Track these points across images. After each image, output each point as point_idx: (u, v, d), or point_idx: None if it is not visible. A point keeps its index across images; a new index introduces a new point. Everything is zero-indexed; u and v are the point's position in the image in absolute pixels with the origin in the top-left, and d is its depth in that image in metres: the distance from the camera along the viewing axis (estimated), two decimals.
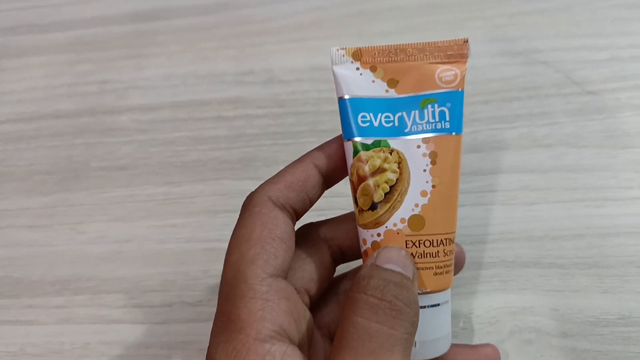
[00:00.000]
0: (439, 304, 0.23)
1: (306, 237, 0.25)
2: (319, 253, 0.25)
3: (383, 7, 0.40)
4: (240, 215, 0.23)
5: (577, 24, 0.37)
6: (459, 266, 0.27)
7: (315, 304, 0.25)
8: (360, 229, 0.24)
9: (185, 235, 0.34)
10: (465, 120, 0.35)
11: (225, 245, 0.33)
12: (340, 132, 0.24)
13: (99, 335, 0.32)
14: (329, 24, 0.40)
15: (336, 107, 0.24)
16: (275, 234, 0.22)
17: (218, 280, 0.32)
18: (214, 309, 0.31)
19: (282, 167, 0.36)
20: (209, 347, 0.21)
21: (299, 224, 0.26)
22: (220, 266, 0.32)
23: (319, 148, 0.25)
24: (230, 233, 0.33)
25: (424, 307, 0.23)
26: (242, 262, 0.22)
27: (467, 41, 0.24)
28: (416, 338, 0.23)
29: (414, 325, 0.21)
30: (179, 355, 0.31)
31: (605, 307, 0.29)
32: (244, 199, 0.24)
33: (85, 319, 0.32)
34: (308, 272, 0.25)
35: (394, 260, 0.22)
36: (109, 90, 0.40)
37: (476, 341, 0.29)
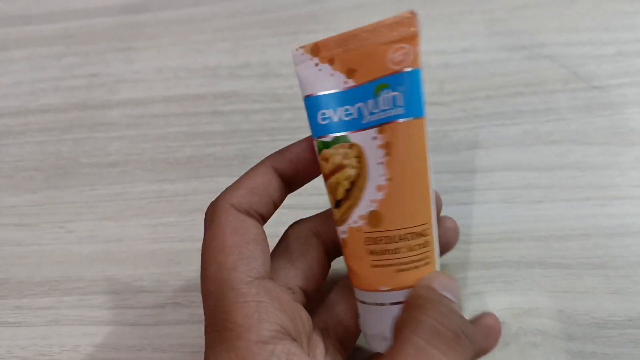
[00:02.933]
0: (403, 301, 0.22)
1: (297, 234, 0.25)
2: (311, 249, 0.25)
3: (377, 0, 0.38)
4: (206, 226, 0.23)
5: (580, 18, 0.36)
6: (451, 244, 0.27)
7: (314, 302, 0.25)
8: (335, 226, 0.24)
9: (178, 234, 0.33)
10: (467, 116, 0.34)
11: None
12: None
13: (89, 338, 0.31)
14: (325, 17, 0.38)
15: None
16: (248, 237, 0.22)
17: None
18: None
19: None
20: None
21: (288, 222, 0.25)
22: None
23: (280, 151, 0.24)
24: None
25: (385, 304, 0.22)
26: (223, 272, 0.21)
27: (414, 13, 0.22)
28: (370, 332, 0.23)
29: (468, 358, 0.21)
30: (171, 359, 0.30)
31: (612, 308, 0.28)
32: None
33: (74, 320, 0.31)
34: (301, 269, 0.24)
35: (450, 289, 0.22)
36: (98, 84, 0.38)
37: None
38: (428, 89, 0.35)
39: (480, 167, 0.32)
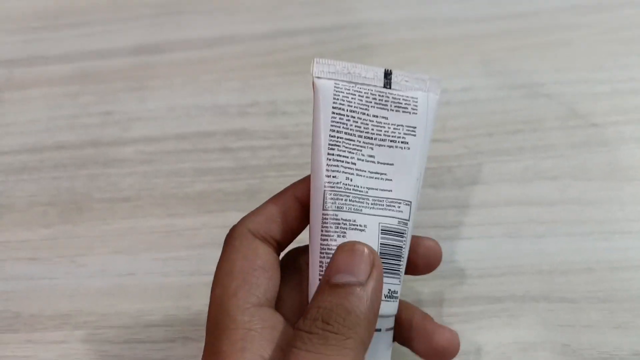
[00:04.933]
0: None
1: (294, 264, 0.25)
2: (303, 279, 0.25)
3: (382, 41, 0.40)
4: (222, 250, 0.23)
5: (575, 58, 0.37)
6: (433, 265, 0.26)
7: None
8: None
9: (188, 268, 0.34)
10: (470, 152, 0.35)
11: None
12: None
13: None
14: (330, 57, 0.40)
15: None
16: (256, 264, 0.22)
17: None
18: None
19: None
20: None
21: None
22: None
23: (302, 180, 0.25)
24: None
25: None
26: (224, 296, 0.22)
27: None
28: None
29: (354, 346, 0.19)
30: None
31: (617, 343, 0.28)
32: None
33: (85, 354, 0.32)
34: (299, 300, 0.24)
35: (342, 267, 0.20)
36: (112, 122, 0.40)
37: None
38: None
39: (483, 202, 0.33)
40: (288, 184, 0.35)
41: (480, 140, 0.35)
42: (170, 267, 0.34)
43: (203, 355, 0.22)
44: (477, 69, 0.38)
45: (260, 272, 0.22)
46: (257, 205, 0.35)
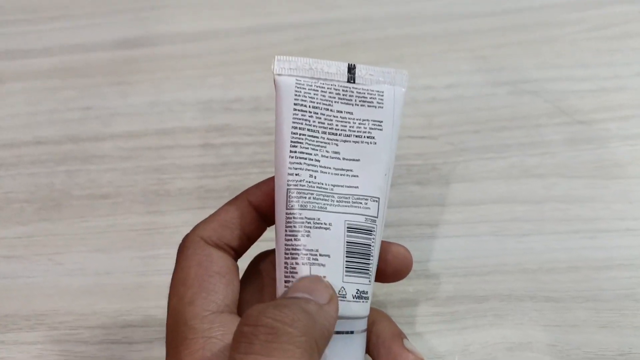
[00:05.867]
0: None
1: (255, 268, 0.25)
2: (272, 283, 0.24)
3: (368, 37, 0.40)
4: (176, 260, 0.23)
5: (559, 55, 0.37)
6: (402, 272, 0.25)
7: None
8: None
9: (168, 267, 0.32)
10: (455, 150, 0.35)
11: None
12: None
13: None
14: (315, 54, 0.39)
15: None
16: (212, 270, 0.22)
17: None
18: None
19: None
20: None
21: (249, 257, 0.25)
22: None
23: (257, 185, 0.24)
24: None
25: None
26: (180, 305, 0.21)
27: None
28: None
29: (303, 347, 0.17)
30: None
31: (604, 342, 0.28)
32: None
33: (60, 356, 0.31)
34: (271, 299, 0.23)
35: (301, 288, 0.20)
36: (92, 117, 0.39)
37: None
38: (417, 123, 0.36)
39: (469, 199, 0.33)
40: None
41: (465, 137, 0.35)
42: (150, 265, 0.33)
43: None
44: (462, 66, 0.37)
45: (217, 277, 0.22)
46: None
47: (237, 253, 0.24)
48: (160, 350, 0.30)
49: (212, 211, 0.34)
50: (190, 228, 0.33)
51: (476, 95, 0.36)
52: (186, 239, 0.23)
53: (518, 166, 0.33)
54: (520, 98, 0.36)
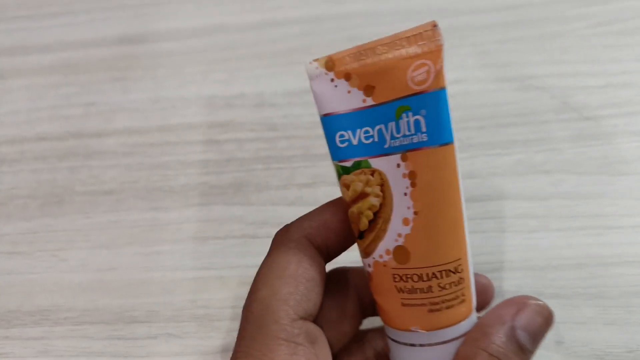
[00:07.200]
0: (437, 343, 0.21)
1: (334, 282, 0.24)
2: (346, 301, 0.24)
3: (372, 33, 0.39)
4: (272, 248, 0.22)
5: (566, 50, 0.37)
6: (485, 301, 0.24)
7: (338, 356, 0.24)
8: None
9: (171, 263, 0.33)
10: (461, 145, 0.35)
11: (214, 274, 0.32)
12: None
13: None
14: (318, 49, 0.39)
15: None
16: (310, 274, 0.21)
17: (206, 311, 0.31)
18: (201, 342, 0.30)
19: (273, 193, 0.35)
20: None
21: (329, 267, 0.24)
22: (208, 296, 0.31)
23: None
24: (220, 261, 0.32)
25: (416, 345, 0.21)
26: (273, 300, 0.20)
27: (435, 25, 0.19)
28: None
29: None
30: None
31: (611, 340, 0.28)
32: (277, 230, 0.22)
33: (64, 351, 0.31)
34: (334, 322, 0.23)
35: (530, 329, 0.21)
36: (94, 113, 0.38)
37: None
38: None
39: (475, 196, 0.32)
40: (274, 177, 0.35)
41: (471, 134, 0.34)
42: (153, 261, 0.33)
43: (240, 350, 0.20)
44: (468, 62, 0.37)
45: (313, 284, 0.21)
46: (243, 199, 0.34)
47: (330, 258, 0.23)
48: (165, 346, 0.30)
49: (215, 207, 0.34)
50: (193, 225, 0.34)
51: (482, 90, 0.36)
52: (289, 232, 0.22)
53: (524, 162, 0.33)
54: (526, 94, 0.35)
